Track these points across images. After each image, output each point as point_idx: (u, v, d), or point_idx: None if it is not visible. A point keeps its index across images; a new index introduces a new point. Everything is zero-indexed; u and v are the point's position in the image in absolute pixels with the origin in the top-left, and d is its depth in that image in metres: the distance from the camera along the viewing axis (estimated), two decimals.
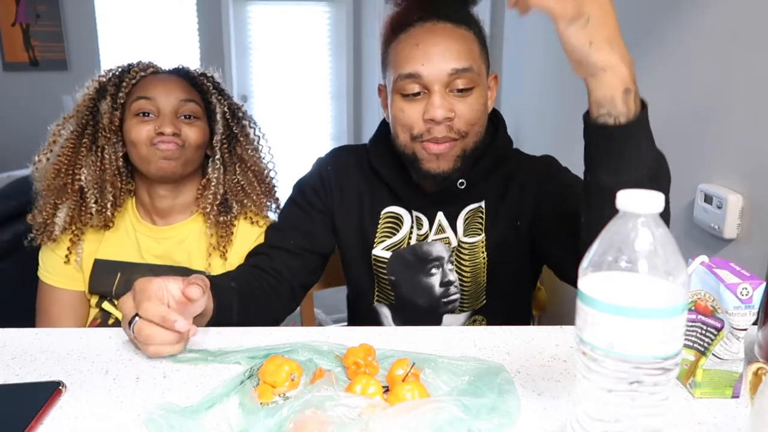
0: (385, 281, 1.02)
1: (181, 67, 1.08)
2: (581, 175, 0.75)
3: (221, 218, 1.03)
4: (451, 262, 0.99)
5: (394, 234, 1.00)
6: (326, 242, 1.03)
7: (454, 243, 0.98)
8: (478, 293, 1.00)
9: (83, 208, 1.01)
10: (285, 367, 0.62)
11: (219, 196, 1.03)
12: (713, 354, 0.60)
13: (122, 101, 1.00)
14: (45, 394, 0.60)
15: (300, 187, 1.06)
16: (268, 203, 1.10)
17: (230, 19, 3.79)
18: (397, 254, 1.00)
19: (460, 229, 0.98)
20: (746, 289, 0.57)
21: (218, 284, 0.84)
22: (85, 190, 1.00)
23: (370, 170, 1.02)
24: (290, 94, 3.96)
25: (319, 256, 1.03)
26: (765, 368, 0.57)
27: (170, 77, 1.04)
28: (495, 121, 1.01)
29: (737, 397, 0.61)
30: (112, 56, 3.74)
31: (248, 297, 0.90)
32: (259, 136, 1.12)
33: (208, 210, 1.02)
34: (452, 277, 0.99)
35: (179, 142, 0.99)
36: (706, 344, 0.61)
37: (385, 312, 1.06)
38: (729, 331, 0.58)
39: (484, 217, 0.98)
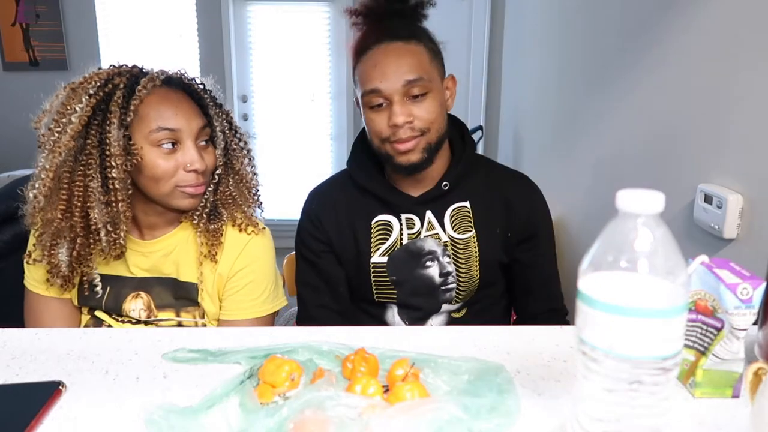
0: (386, 282, 1.09)
1: (181, 76, 1.01)
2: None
3: (211, 226, 1.01)
4: (448, 256, 1.08)
5: (387, 239, 1.09)
6: (343, 275, 1.14)
7: (444, 238, 1.08)
8: (471, 287, 1.09)
9: (93, 243, 0.94)
10: (285, 367, 0.62)
11: (209, 205, 1.01)
12: (713, 354, 0.60)
13: (130, 122, 0.91)
14: (45, 394, 0.60)
15: (301, 240, 1.15)
16: (255, 210, 1.09)
17: (230, 19, 3.78)
18: (392, 256, 1.09)
19: (447, 224, 1.09)
20: (746, 289, 0.57)
21: None
22: (99, 227, 0.92)
23: (355, 188, 1.12)
24: (290, 94, 3.95)
25: (346, 281, 1.14)
26: (765, 368, 0.57)
27: (181, 98, 0.97)
28: (458, 126, 1.14)
29: (737, 397, 0.61)
30: (112, 56, 3.74)
31: None
32: (247, 142, 1.09)
33: (197, 221, 1.00)
34: (450, 268, 1.08)
35: (204, 179, 0.98)
36: (706, 344, 0.61)
37: (391, 305, 1.12)
38: (729, 331, 0.58)
39: (471, 215, 1.09)
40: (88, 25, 3.73)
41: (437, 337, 0.77)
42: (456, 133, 1.13)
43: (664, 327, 0.42)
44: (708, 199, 1.18)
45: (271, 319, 1.06)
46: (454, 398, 0.57)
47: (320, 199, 1.15)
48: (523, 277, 1.13)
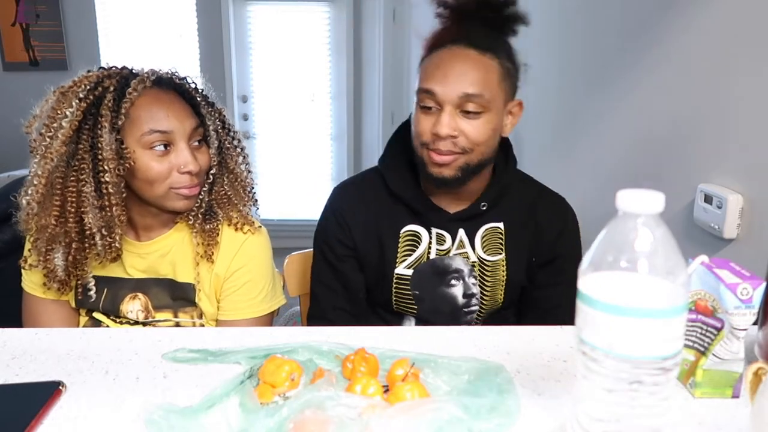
0: (408, 295, 1.05)
1: (172, 75, 0.99)
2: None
3: (207, 226, 1.00)
4: (474, 277, 1.03)
5: (414, 251, 1.04)
6: (363, 280, 1.10)
7: (473, 258, 1.03)
8: (493, 310, 1.06)
9: (88, 248, 0.94)
10: (285, 367, 0.62)
11: (204, 205, 1.00)
12: (713, 354, 0.60)
13: (121, 125, 0.90)
14: (45, 394, 0.60)
15: (325, 239, 1.09)
16: (250, 209, 1.08)
17: (230, 19, 3.78)
18: (418, 270, 1.04)
19: (478, 244, 1.03)
20: (746, 289, 0.57)
21: None
22: (94, 232, 0.91)
23: (387, 193, 1.06)
24: (290, 94, 3.96)
25: (364, 287, 1.10)
26: (765, 368, 0.57)
27: (172, 98, 0.95)
28: (504, 146, 1.07)
29: (737, 397, 0.61)
30: (112, 56, 3.74)
31: None
32: (241, 141, 1.07)
33: (192, 221, 0.99)
34: (475, 290, 1.04)
35: (199, 179, 0.97)
36: (706, 344, 0.61)
37: (409, 317, 1.09)
38: (729, 331, 0.58)
39: (503, 237, 1.04)
40: (88, 25, 3.73)
41: (437, 337, 0.77)
42: (501, 152, 1.05)
43: (664, 327, 0.42)
44: (708, 199, 1.18)
45: (270, 319, 1.06)
46: (454, 398, 0.57)
47: (348, 197, 1.09)
48: (531, 298, 1.06)
